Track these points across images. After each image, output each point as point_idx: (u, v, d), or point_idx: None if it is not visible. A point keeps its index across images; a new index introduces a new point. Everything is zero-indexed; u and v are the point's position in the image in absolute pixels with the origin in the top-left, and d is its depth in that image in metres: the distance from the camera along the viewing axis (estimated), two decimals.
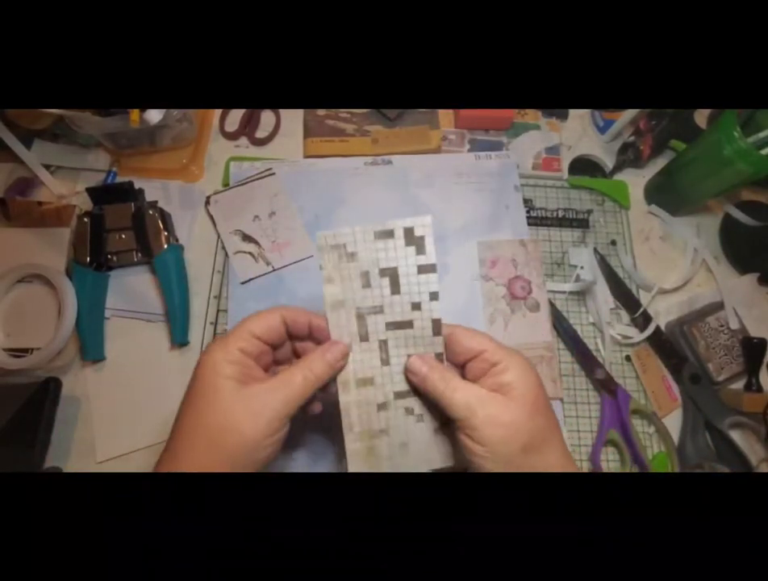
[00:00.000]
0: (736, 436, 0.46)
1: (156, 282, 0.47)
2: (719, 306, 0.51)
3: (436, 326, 0.31)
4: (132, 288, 0.48)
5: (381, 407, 0.32)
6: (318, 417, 0.34)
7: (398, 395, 0.32)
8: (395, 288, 0.31)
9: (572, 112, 0.59)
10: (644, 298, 0.51)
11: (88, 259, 0.45)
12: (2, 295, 0.45)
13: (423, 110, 0.55)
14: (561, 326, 0.49)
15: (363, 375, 0.32)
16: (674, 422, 0.48)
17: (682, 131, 0.55)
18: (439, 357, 0.31)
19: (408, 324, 0.31)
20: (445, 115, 0.56)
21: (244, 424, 0.27)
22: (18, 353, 0.44)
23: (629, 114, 0.54)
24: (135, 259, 0.47)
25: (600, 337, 0.49)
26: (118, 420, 0.45)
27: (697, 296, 0.52)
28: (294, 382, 0.29)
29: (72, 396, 0.45)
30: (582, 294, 0.51)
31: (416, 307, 0.31)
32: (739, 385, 0.49)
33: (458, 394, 0.29)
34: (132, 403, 0.45)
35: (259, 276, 0.48)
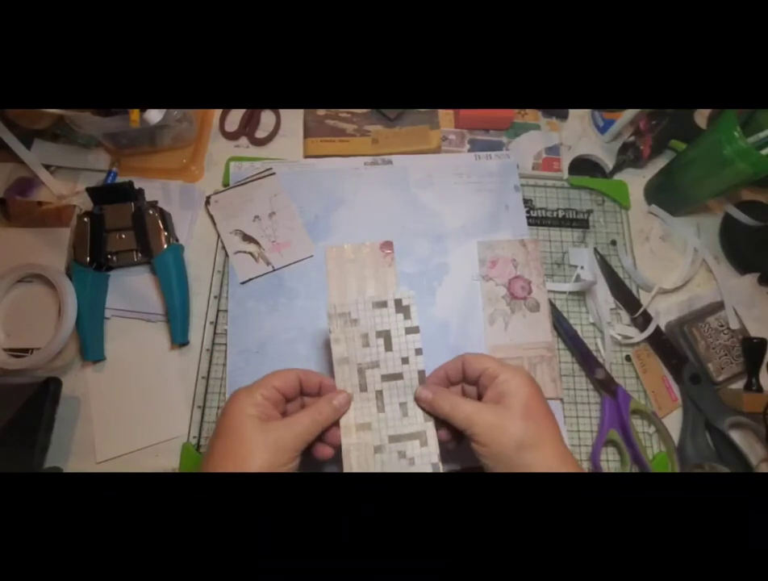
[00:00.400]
0: (736, 436, 0.46)
1: (156, 282, 0.47)
2: (719, 306, 0.51)
3: (421, 376, 0.37)
4: (132, 288, 0.48)
5: (378, 449, 0.36)
6: (327, 462, 0.37)
7: (392, 439, 0.36)
8: (388, 346, 0.38)
9: (572, 112, 0.59)
10: (644, 298, 0.51)
11: (88, 259, 0.45)
12: (2, 295, 0.45)
13: (423, 110, 0.55)
14: (561, 326, 0.49)
15: (362, 421, 0.37)
16: (674, 422, 0.48)
17: (682, 131, 0.55)
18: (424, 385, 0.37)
19: (399, 376, 0.37)
20: (445, 115, 0.56)
21: (263, 452, 0.32)
22: (18, 353, 0.44)
23: (629, 114, 0.54)
24: (135, 259, 0.47)
25: (600, 337, 0.49)
26: (118, 420, 0.45)
27: (697, 296, 0.52)
28: (305, 421, 0.34)
29: (72, 396, 0.45)
30: (582, 294, 0.51)
31: (405, 361, 0.38)
32: (739, 385, 0.49)
33: (459, 410, 0.34)
34: (132, 403, 0.45)
35: (259, 276, 0.48)
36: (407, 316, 0.38)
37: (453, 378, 0.38)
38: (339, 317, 0.38)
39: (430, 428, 0.36)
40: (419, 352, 0.38)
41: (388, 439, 0.36)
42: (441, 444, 0.36)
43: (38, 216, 0.48)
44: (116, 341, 0.47)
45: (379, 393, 0.37)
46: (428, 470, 0.35)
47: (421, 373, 0.37)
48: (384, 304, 0.38)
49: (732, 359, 0.49)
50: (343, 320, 0.38)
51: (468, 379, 0.37)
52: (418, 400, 0.37)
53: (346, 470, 0.36)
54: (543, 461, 0.32)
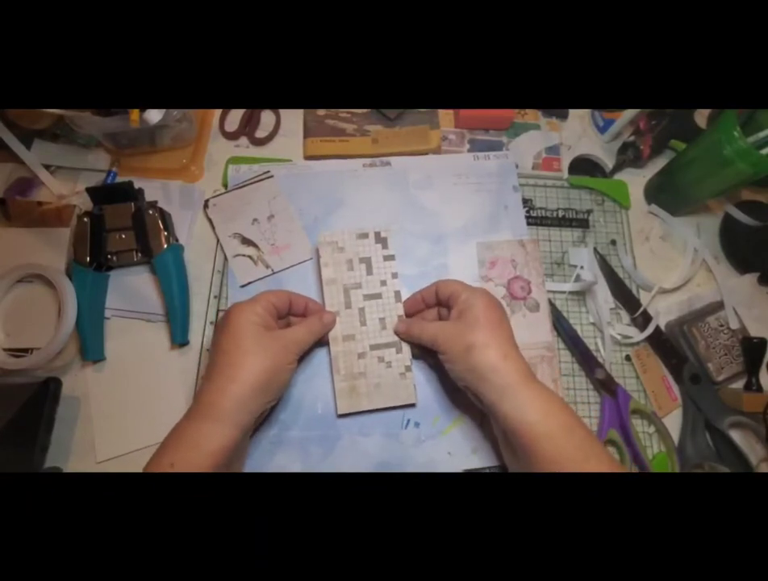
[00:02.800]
0: (736, 436, 0.46)
1: (156, 282, 0.47)
2: (719, 306, 0.51)
3: (397, 296, 0.44)
4: (132, 288, 0.48)
5: (361, 356, 0.43)
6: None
7: (373, 347, 0.43)
8: (369, 271, 0.45)
9: (572, 112, 0.59)
10: (644, 298, 0.51)
11: (88, 259, 0.45)
12: (2, 295, 0.45)
13: (423, 110, 0.55)
14: (561, 326, 0.49)
15: (347, 333, 0.43)
16: (674, 422, 0.48)
17: (682, 131, 0.55)
18: (400, 317, 0.44)
19: (378, 296, 0.44)
20: (445, 115, 0.56)
21: (269, 354, 0.37)
22: (18, 353, 0.44)
23: (629, 114, 0.54)
24: (135, 259, 0.47)
25: (600, 337, 0.49)
26: (118, 420, 0.45)
27: (697, 296, 0.52)
28: (301, 330, 0.40)
29: (72, 396, 0.45)
30: (582, 294, 0.51)
31: (383, 283, 0.44)
32: (739, 385, 0.49)
33: (426, 332, 0.41)
34: (132, 403, 0.45)
35: (258, 279, 0.48)
36: (385, 246, 0.45)
37: (428, 301, 0.43)
38: (327, 245, 0.45)
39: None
40: (395, 276, 0.45)
41: (369, 347, 0.43)
42: (419, 357, 0.45)
43: (38, 216, 0.48)
44: (116, 341, 0.47)
45: (361, 310, 0.44)
46: (402, 371, 0.43)
47: (397, 293, 0.44)
48: (366, 235, 0.45)
49: (732, 359, 0.49)
50: (331, 248, 0.45)
51: (440, 302, 0.43)
52: (396, 333, 0.43)
53: (335, 371, 0.43)
54: (488, 359, 0.36)
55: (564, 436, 0.34)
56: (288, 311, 0.42)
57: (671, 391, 0.48)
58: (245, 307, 0.38)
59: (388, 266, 0.45)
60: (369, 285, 0.44)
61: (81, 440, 0.44)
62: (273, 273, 0.48)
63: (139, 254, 0.47)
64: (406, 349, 0.43)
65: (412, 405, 0.44)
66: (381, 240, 0.45)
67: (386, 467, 0.43)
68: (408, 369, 0.43)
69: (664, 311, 0.51)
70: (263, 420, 0.43)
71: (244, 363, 0.36)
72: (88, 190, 0.47)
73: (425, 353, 0.44)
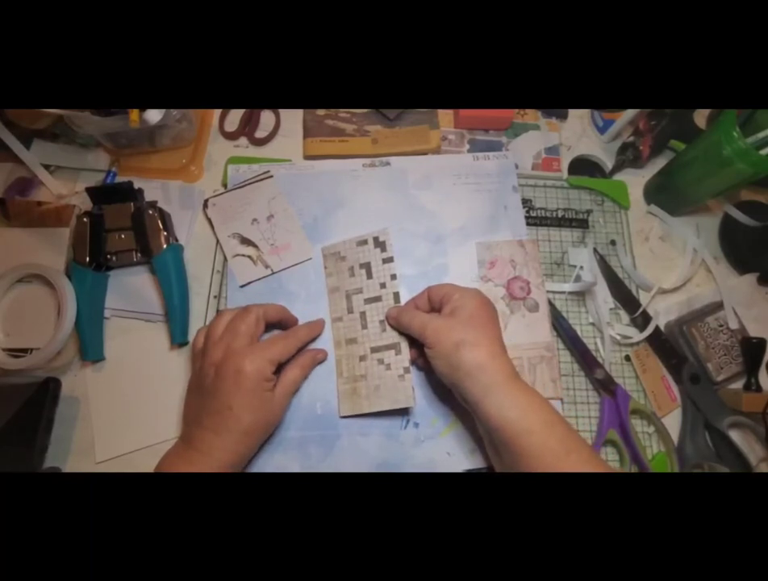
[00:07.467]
0: (735, 436, 0.46)
1: (156, 281, 0.47)
2: (718, 306, 0.51)
3: (396, 297, 0.45)
4: (132, 288, 0.48)
5: (362, 358, 0.44)
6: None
7: (373, 350, 0.44)
8: (369, 275, 0.46)
9: (572, 112, 0.59)
10: (643, 298, 0.51)
11: (87, 259, 0.45)
12: (1, 295, 0.45)
13: (423, 110, 0.55)
14: (561, 326, 0.49)
15: (349, 336, 0.45)
16: (673, 422, 0.48)
17: (682, 131, 0.55)
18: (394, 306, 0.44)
19: (378, 299, 0.45)
20: (445, 115, 0.56)
21: (270, 410, 0.39)
22: (17, 353, 0.44)
23: (629, 114, 0.54)
24: (135, 259, 0.47)
25: (600, 337, 0.49)
26: (118, 420, 0.45)
27: (696, 296, 0.52)
28: (279, 343, 0.41)
29: (71, 396, 0.45)
30: (581, 294, 0.51)
31: (383, 285, 0.45)
32: (738, 385, 0.49)
33: (416, 320, 0.41)
34: (132, 403, 0.45)
35: (258, 279, 0.48)
36: (384, 249, 0.46)
37: (421, 307, 0.43)
38: (331, 256, 0.48)
39: (403, 340, 0.43)
40: (393, 277, 0.45)
41: (370, 350, 0.44)
42: (412, 362, 0.44)
43: (37, 216, 0.48)
44: (116, 341, 0.47)
45: (363, 313, 0.45)
46: (401, 372, 0.43)
47: (396, 294, 0.44)
48: (365, 242, 0.46)
49: (732, 359, 0.49)
50: (334, 258, 0.47)
51: (433, 306, 0.42)
52: (387, 318, 0.44)
53: (337, 374, 0.45)
54: (476, 357, 0.36)
55: (545, 432, 0.34)
56: (277, 323, 0.45)
57: (671, 391, 0.48)
58: (259, 362, 0.38)
59: (387, 269, 0.45)
60: (369, 289, 0.45)
61: (81, 440, 0.44)
62: (273, 273, 0.48)
63: (139, 254, 0.47)
64: (405, 350, 0.43)
65: (410, 408, 0.44)
66: (379, 244, 0.46)
67: (385, 467, 0.43)
68: (407, 371, 0.43)
69: (663, 312, 0.51)
70: None
71: (246, 423, 0.38)
72: (87, 190, 0.47)
73: (420, 355, 0.43)
